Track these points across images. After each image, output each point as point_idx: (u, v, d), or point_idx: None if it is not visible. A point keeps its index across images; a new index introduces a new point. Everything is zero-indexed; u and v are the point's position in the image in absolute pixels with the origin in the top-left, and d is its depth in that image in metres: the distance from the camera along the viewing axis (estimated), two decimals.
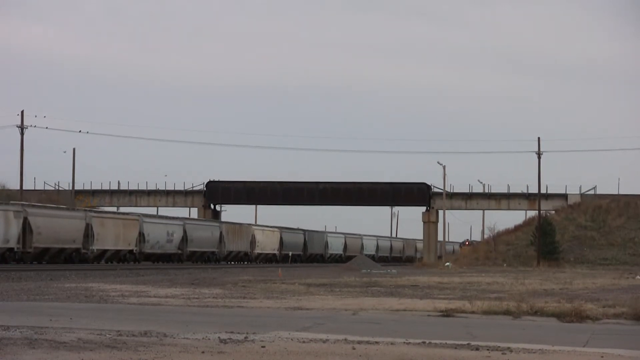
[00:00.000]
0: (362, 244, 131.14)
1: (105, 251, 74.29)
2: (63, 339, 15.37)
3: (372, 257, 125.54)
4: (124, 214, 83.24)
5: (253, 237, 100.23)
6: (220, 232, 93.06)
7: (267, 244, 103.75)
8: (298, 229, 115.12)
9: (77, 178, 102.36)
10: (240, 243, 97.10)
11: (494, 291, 36.03)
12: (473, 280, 48.77)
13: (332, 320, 21.15)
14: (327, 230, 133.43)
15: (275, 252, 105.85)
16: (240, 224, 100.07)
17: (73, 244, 70.23)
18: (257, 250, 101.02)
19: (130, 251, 77.83)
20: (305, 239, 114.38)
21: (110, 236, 74.82)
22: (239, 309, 24.65)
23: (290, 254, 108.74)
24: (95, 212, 76.41)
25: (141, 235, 79.05)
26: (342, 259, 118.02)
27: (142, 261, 78.60)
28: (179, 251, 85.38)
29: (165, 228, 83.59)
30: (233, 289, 35.34)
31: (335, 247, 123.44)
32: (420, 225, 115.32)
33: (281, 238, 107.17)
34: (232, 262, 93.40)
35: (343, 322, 20.65)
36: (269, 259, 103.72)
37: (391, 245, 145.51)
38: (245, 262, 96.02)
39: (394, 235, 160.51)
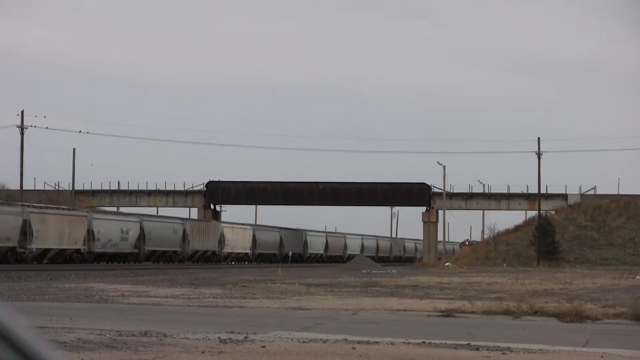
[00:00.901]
0: (346, 244, 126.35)
1: (46, 250, 68.38)
2: (63, 339, 15.37)
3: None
4: (70, 209, 76.30)
5: (222, 235, 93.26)
6: (184, 230, 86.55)
7: (238, 242, 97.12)
8: (273, 227, 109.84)
9: (77, 178, 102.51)
10: (207, 242, 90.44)
11: (494, 291, 36.04)
12: (473, 280, 48.78)
13: (332, 320, 21.16)
14: (308, 228, 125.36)
15: (248, 251, 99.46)
16: (208, 221, 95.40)
17: (7, 242, 64.14)
18: (227, 250, 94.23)
19: (78, 250, 71.73)
20: (281, 238, 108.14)
21: (53, 234, 68.49)
22: (239, 309, 24.66)
23: (261, 252, 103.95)
24: (35, 207, 69.75)
25: (90, 233, 72.57)
26: (322, 259, 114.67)
27: (93, 262, 72.61)
28: (136, 250, 79.00)
29: (119, 225, 77.12)
30: (233, 289, 35.35)
31: (316, 246, 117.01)
32: (420, 225, 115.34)
33: (254, 236, 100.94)
34: (198, 262, 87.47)
35: (343, 322, 20.66)
36: (240, 259, 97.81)
37: (377, 244, 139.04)
38: (213, 263, 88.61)
39: (393, 235, 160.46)
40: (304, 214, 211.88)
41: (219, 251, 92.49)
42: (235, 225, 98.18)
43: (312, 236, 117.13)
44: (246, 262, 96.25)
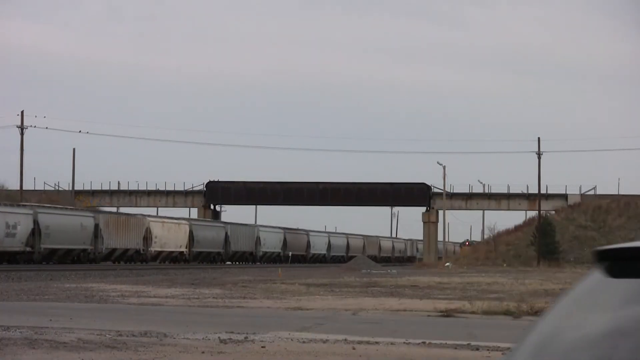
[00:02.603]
0: (309, 242, 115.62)
1: None
2: (63, 339, 15.37)
3: (323, 257, 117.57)
4: None
5: (148, 231, 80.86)
6: (97, 225, 74.17)
7: (170, 239, 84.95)
8: (217, 222, 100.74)
9: (77, 178, 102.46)
10: (128, 238, 78.38)
11: (494, 291, 36.03)
12: (473, 280, 48.77)
13: (332, 320, 21.15)
14: (259, 224, 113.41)
15: (183, 249, 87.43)
16: (129, 215, 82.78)
17: None
18: (155, 248, 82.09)
19: None
20: (227, 235, 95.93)
21: None
22: (239, 309, 24.66)
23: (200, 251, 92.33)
24: None
25: None
26: (279, 259, 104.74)
27: None
28: (28, 249, 66.97)
29: (3, 218, 64.67)
30: (233, 289, 35.35)
31: (271, 244, 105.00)
32: (420, 226, 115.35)
33: (191, 233, 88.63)
34: (118, 262, 76.72)
35: (343, 322, 20.65)
36: (174, 259, 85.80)
37: (348, 243, 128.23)
38: (137, 263, 77.54)
39: (393, 235, 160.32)
40: (304, 214, 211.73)
41: (144, 249, 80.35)
42: (167, 220, 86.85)
43: (266, 233, 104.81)
44: (182, 262, 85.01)
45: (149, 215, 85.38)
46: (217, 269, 69.97)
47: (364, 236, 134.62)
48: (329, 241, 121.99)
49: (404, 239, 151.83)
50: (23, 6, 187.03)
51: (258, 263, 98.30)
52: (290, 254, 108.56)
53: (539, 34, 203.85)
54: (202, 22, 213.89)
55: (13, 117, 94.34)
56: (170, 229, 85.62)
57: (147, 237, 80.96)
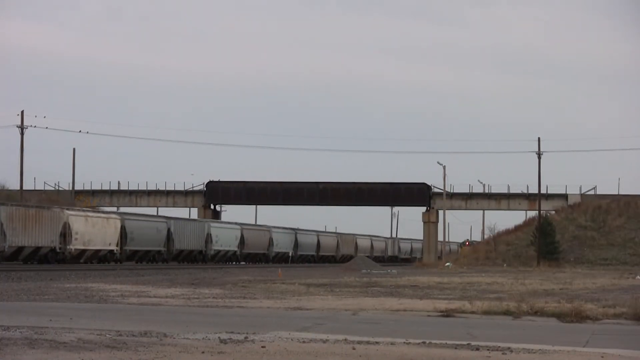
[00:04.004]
0: (271, 239, 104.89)
1: None
2: (63, 339, 15.37)
3: (289, 256, 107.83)
4: None
5: (66, 226, 70.59)
6: None
7: (96, 236, 74.44)
8: (158, 217, 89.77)
9: (77, 178, 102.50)
10: (39, 235, 68.24)
11: (494, 291, 36.03)
12: (473, 280, 48.77)
13: (332, 320, 21.15)
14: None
15: (113, 248, 77.04)
16: (42, 207, 71.75)
17: None
18: (76, 246, 71.78)
19: None
20: (169, 231, 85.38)
21: None
22: (239, 309, 24.65)
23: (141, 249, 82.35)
24: None
25: None
26: (236, 258, 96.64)
27: None
28: None
29: None
30: (233, 289, 35.35)
31: (226, 241, 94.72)
32: (420, 225, 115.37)
33: (123, 229, 78.45)
34: (29, 263, 67.26)
35: (343, 322, 20.65)
36: (101, 258, 75.74)
37: (318, 241, 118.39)
38: (54, 263, 68.47)
39: (394, 235, 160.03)
40: (304, 214, 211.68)
41: (61, 247, 70.29)
42: (91, 215, 76.54)
43: (218, 229, 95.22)
44: (112, 262, 75.75)
45: (68, 208, 74.87)
46: (217, 269, 69.91)
47: (337, 234, 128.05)
48: (296, 239, 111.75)
49: (385, 237, 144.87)
50: (23, 6, 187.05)
51: (209, 263, 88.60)
52: (246, 253, 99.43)
53: (538, 34, 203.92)
54: (202, 22, 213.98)
55: (13, 117, 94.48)
56: (96, 224, 75.08)
57: (66, 234, 70.49)
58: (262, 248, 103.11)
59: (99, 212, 79.85)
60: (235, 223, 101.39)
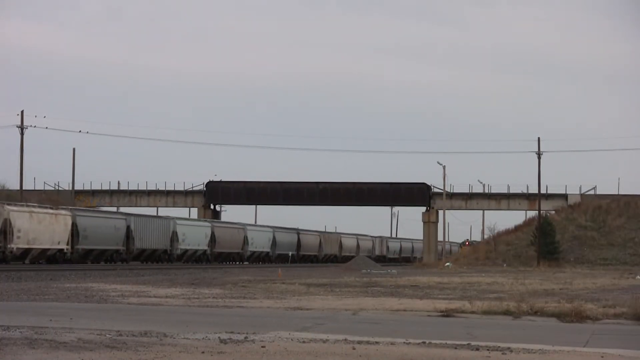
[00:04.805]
0: (246, 237, 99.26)
1: None
2: (63, 339, 15.37)
3: (266, 255, 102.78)
4: None
5: (7, 223, 64.99)
6: None
7: (42, 234, 68.52)
8: (116, 214, 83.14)
9: (77, 178, 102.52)
10: None
11: (494, 291, 36.03)
12: (473, 280, 48.78)
13: (332, 320, 21.15)
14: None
15: (64, 247, 71.11)
16: None
17: None
18: (19, 245, 66.05)
19: None
20: (129, 229, 79.04)
21: None
22: (239, 309, 24.65)
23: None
24: None
25: None
26: (206, 257, 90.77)
27: None
28: None
29: None
30: (233, 289, 35.35)
31: (194, 240, 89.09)
32: (420, 225, 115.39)
33: (75, 226, 72.37)
34: None
35: (343, 322, 20.65)
36: (50, 258, 70.03)
37: (299, 240, 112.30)
38: None
39: (394, 235, 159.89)
40: (304, 214, 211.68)
41: (1, 246, 65.14)
42: (37, 210, 69.63)
43: (185, 226, 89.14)
44: (62, 263, 69.21)
45: (9, 203, 68.83)
46: (217, 268, 69.88)
47: (320, 232, 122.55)
48: (274, 237, 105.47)
49: (372, 236, 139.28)
50: (23, 6, 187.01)
51: (175, 263, 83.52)
52: (218, 252, 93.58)
53: (539, 34, 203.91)
54: (202, 22, 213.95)
55: (13, 117, 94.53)
56: (43, 220, 68.91)
57: (7, 231, 64.97)
58: (236, 247, 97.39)
59: (46, 207, 72.36)
60: (205, 220, 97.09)
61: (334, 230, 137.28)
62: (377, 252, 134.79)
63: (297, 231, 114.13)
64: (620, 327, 21.51)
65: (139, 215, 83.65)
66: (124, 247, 78.77)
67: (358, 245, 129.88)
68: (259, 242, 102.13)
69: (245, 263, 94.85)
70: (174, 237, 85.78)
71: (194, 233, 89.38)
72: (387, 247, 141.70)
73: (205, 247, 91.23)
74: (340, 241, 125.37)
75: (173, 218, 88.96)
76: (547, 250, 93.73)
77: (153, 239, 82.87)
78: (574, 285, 43.71)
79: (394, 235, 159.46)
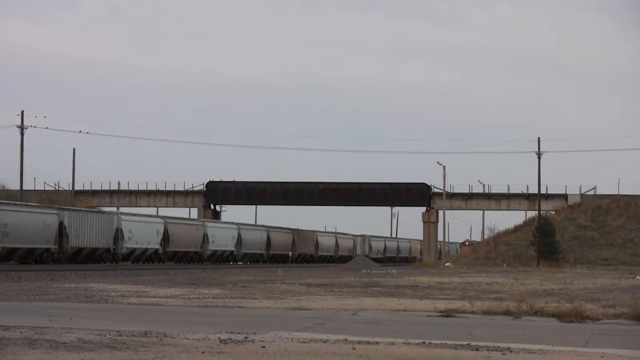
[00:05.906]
0: (205, 235, 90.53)
1: None
2: (63, 339, 15.37)
3: (230, 254, 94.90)
4: None
5: None
6: None
7: None
8: (47, 208, 70.75)
9: (77, 178, 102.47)
10: None
11: (494, 291, 36.03)
12: (473, 280, 48.76)
13: (332, 320, 21.15)
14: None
15: None
16: None
17: None
18: None
19: None
20: (62, 225, 69.39)
21: None
22: (239, 309, 24.65)
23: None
24: None
25: None
26: (158, 257, 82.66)
27: None
28: None
29: None
30: (233, 289, 35.34)
31: (143, 238, 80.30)
32: (420, 225, 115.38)
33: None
34: None
35: (343, 322, 20.65)
36: None
37: (269, 238, 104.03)
38: None
39: (394, 235, 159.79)
40: (304, 214, 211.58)
41: None
42: None
43: (131, 222, 79.51)
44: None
45: None
46: (217, 269, 69.86)
47: (293, 230, 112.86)
48: (239, 235, 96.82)
49: (354, 235, 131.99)
50: (23, 6, 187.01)
51: (121, 263, 75.59)
52: (172, 251, 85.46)
53: (539, 34, 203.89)
54: (202, 22, 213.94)
55: (13, 117, 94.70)
56: None
57: None
58: (194, 246, 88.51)
59: None
60: (158, 216, 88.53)
61: (324, 230, 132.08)
62: (358, 252, 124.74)
63: (267, 229, 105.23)
64: (620, 327, 21.52)
65: (74, 210, 73.92)
66: (56, 245, 68.91)
67: (337, 244, 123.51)
68: (221, 241, 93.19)
69: (206, 263, 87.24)
70: (118, 234, 76.41)
71: (142, 230, 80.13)
72: (370, 247, 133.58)
73: (157, 246, 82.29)
74: (317, 240, 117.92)
75: (117, 213, 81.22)
76: (547, 251, 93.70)
77: (92, 236, 73.33)
78: (574, 285, 43.69)
79: (393, 235, 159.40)
